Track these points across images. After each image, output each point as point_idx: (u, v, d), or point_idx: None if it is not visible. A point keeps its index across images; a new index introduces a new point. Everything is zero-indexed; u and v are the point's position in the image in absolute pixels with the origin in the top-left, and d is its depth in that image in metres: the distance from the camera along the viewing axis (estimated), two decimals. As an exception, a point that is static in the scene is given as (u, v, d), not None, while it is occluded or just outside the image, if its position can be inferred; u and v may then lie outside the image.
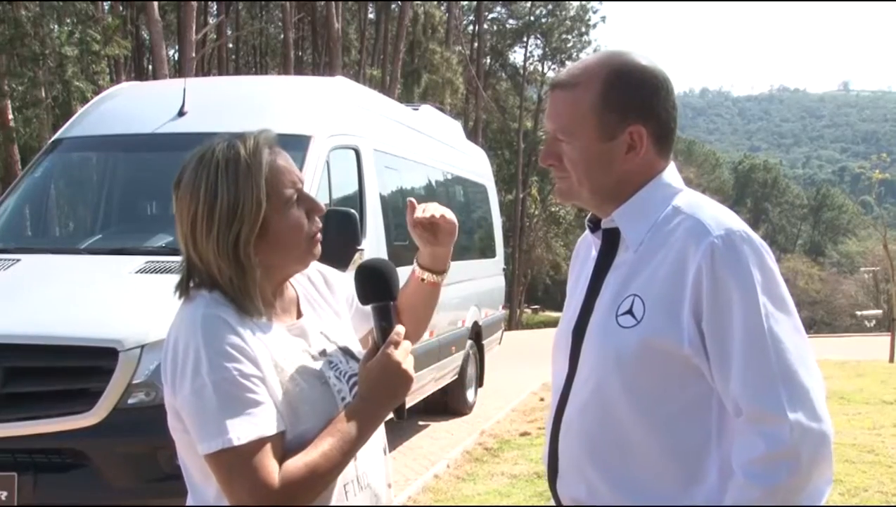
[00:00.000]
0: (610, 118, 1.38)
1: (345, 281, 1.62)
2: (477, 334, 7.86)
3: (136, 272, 4.13)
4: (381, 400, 1.35)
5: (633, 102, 1.38)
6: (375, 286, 1.46)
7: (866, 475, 4.92)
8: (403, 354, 1.37)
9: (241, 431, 1.24)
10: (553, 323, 23.61)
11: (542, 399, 8.32)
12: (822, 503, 1.27)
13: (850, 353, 12.37)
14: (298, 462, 1.27)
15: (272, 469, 1.25)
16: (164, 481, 3.54)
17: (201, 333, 1.28)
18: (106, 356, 3.58)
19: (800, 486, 1.24)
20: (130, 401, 3.57)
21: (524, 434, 6.56)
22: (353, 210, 4.55)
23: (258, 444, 1.24)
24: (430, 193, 7.32)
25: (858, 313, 33.29)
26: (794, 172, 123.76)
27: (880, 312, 30.45)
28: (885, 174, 16.78)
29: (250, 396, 1.26)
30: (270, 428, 1.26)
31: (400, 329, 1.39)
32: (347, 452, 1.31)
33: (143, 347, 3.59)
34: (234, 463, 1.24)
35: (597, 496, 1.37)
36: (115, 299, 3.95)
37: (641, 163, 1.40)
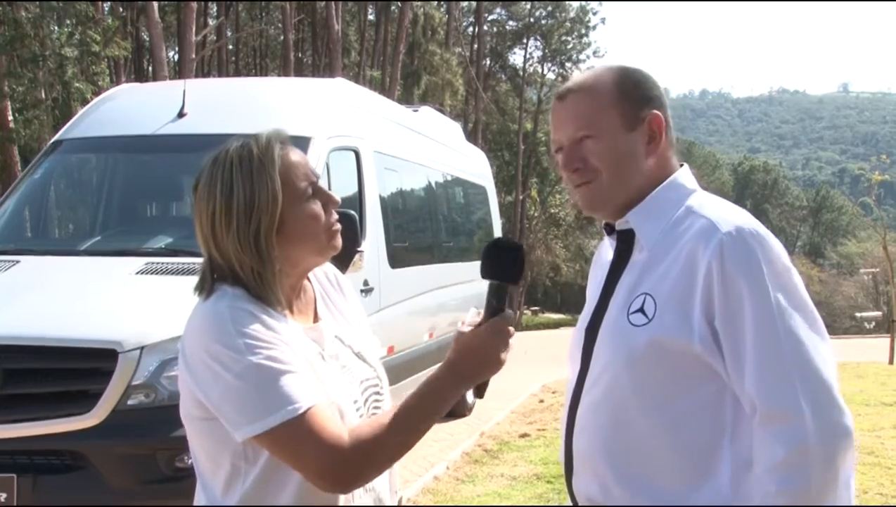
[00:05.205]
0: (629, 107, 1.41)
1: (351, 286, 1.62)
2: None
3: (136, 274, 4.12)
4: (467, 371, 1.36)
5: (646, 93, 1.44)
6: (504, 265, 1.40)
7: (866, 476, 4.91)
8: (502, 338, 1.36)
9: (297, 401, 1.26)
10: (553, 325, 23.62)
11: (541, 401, 8.32)
12: (853, 490, 1.26)
13: (850, 355, 12.35)
14: (374, 423, 1.31)
15: (339, 429, 1.27)
16: (164, 482, 3.54)
17: (231, 321, 1.29)
18: (105, 358, 3.57)
19: (828, 482, 1.24)
20: (130, 403, 3.56)
21: (523, 436, 6.56)
22: (352, 211, 4.55)
23: (316, 411, 1.27)
24: (430, 194, 7.32)
25: (858, 314, 33.30)
26: (794, 174, 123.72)
27: (880, 313, 30.47)
28: (884, 176, 16.75)
29: (295, 370, 1.29)
30: (322, 397, 1.29)
31: (509, 313, 1.39)
32: (426, 416, 1.33)
33: (142, 348, 3.59)
34: (298, 432, 1.25)
35: (609, 494, 1.37)
36: (114, 300, 3.95)
37: (659, 159, 1.43)
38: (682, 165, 1.47)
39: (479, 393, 1.41)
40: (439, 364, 1.37)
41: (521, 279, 1.42)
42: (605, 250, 1.56)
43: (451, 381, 1.35)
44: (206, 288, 1.38)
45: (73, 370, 3.68)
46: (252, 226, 1.34)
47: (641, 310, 1.35)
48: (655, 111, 1.42)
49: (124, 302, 3.92)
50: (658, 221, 1.40)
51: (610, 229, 1.51)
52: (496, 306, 1.38)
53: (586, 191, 1.43)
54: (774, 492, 1.24)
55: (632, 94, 1.42)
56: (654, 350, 1.32)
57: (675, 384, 1.32)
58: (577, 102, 1.42)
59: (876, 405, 7.29)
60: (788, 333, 1.27)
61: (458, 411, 7.72)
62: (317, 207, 1.40)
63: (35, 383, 3.67)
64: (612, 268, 1.47)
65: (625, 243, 1.45)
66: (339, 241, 1.44)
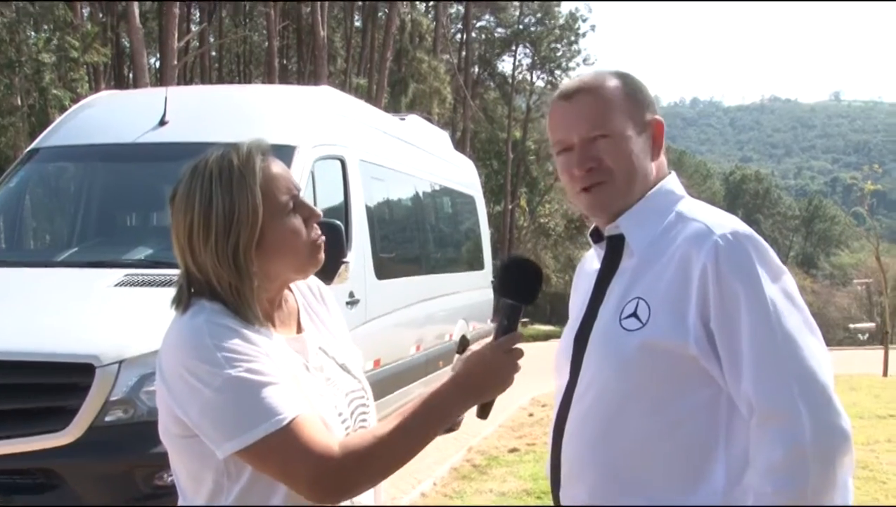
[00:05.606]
0: (636, 110, 1.44)
1: (333, 298, 1.62)
2: (465, 348, 7.82)
3: (115, 286, 4.09)
4: (474, 388, 1.36)
5: (645, 98, 1.47)
6: (521, 285, 1.41)
7: (860, 491, 4.94)
8: (511, 358, 1.37)
9: (281, 412, 1.25)
10: (542, 336, 23.58)
11: (530, 415, 8.31)
12: (851, 493, 1.27)
13: (843, 366, 12.44)
14: (366, 434, 1.31)
15: (327, 439, 1.27)
16: (142, 500, 3.51)
17: (208, 336, 1.29)
18: (82, 372, 3.54)
19: (826, 485, 1.24)
20: (107, 419, 3.52)
21: (513, 451, 6.54)
22: (338, 222, 4.54)
23: (302, 420, 1.26)
24: (417, 204, 7.33)
25: (851, 325, 33.52)
26: (786, 183, 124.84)
27: (873, 324, 30.70)
28: (876, 185, 16.94)
29: (277, 381, 1.28)
30: (307, 408, 1.29)
31: (518, 334, 1.39)
32: (424, 430, 1.32)
33: (121, 362, 3.55)
34: (284, 444, 1.25)
35: (599, 502, 1.38)
36: (92, 313, 3.91)
37: (658, 164, 1.47)
38: (669, 173, 1.50)
39: (484, 413, 1.41)
40: (447, 381, 1.36)
41: (535, 300, 1.43)
42: (590, 260, 1.57)
43: (456, 396, 1.35)
44: (183, 302, 1.37)
45: (48, 386, 3.64)
46: (231, 240, 1.33)
47: (635, 314, 1.36)
48: (657, 116, 1.46)
49: (102, 315, 3.88)
50: (649, 226, 1.41)
51: (597, 237, 1.52)
52: (508, 325, 1.38)
53: (597, 192, 1.44)
54: (771, 493, 1.24)
55: (636, 97, 1.45)
56: (649, 354, 1.33)
57: (670, 389, 1.33)
58: (589, 101, 1.43)
59: (870, 418, 7.32)
60: (785, 333, 1.28)
61: (446, 425, 7.69)
62: (298, 221, 1.40)
63: (8, 400, 3.62)
64: (600, 275, 1.47)
65: (614, 249, 1.46)
66: (320, 257, 1.43)
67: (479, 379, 1.35)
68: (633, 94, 1.45)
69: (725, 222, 1.36)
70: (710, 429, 1.33)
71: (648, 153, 1.45)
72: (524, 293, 1.40)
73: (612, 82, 1.45)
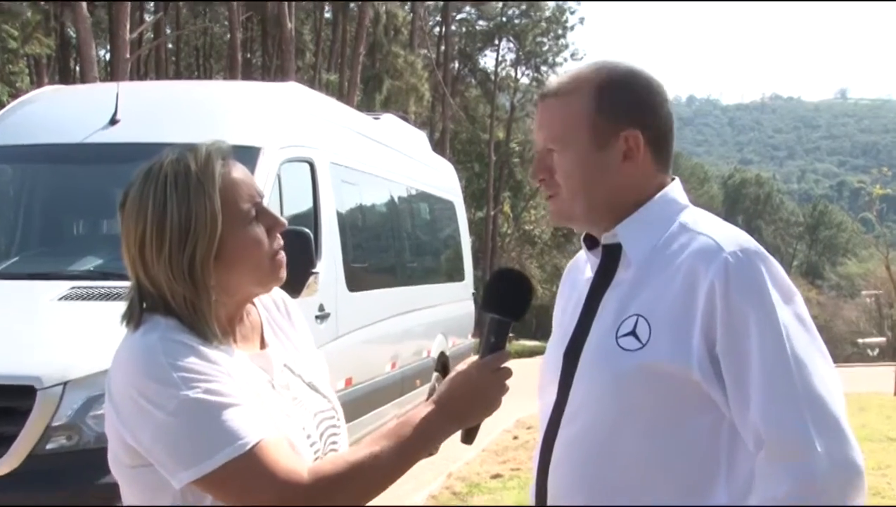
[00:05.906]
0: (604, 123, 1.42)
1: (299, 312, 1.62)
2: (444, 365, 7.85)
3: (60, 299, 4.06)
4: (456, 413, 1.36)
5: (628, 105, 1.44)
6: (509, 299, 1.41)
7: (871, 518, 4.98)
8: (499, 378, 1.38)
9: (244, 436, 1.25)
10: (527, 353, 23.59)
11: (515, 437, 8.31)
12: None
13: (852, 384, 12.50)
14: (338, 459, 1.31)
15: (294, 464, 1.27)
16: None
17: (163, 354, 1.28)
18: (21, 395, 3.49)
19: None
20: (49, 446, 3.48)
21: (496, 477, 6.54)
22: (306, 229, 4.53)
23: (266, 444, 1.26)
24: (393, 209, 7.33)
25: (860, 340, 33.88)
26: (789, 187, 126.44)
27: (884, 339, 31.09)
28: (886, 189, 17.14)
29: (239, 402, 1.27)
30: (272, 431, 1.28)
31: (506, 353, 1.40)
32: (403, 456, 1.32)
33: (65, 384, 3.52)
34: (247, 471, 1.24)
35: None
36: (33, 329, 3.88)
37: (640, 175, 1.44)
38: (672, 179, 1.50)
39: (469, 438, 1.41)
40: (428, 404, 1.36)
41: (524, 315, 1.43)
42: (580, 267, 1.57)
43: (440, 419, 1.35)
44: (134, 318, 1.36)
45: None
46: (187, 251, 1.33)
47: (633, 333, 1.35)
48: (633, 130, 1.42)
49: (45, 332, 3.85)
50: (649, 236, 1.42)
51: (590, 244, 1.52)
52: (494, 342, 1.39)
53: (552, 204, 1.49)
54: None
55: (610, 107, 1.42)
56: (648, 377, 1.33)
57: (668, 413, 1.34)
58: (553, 109, 1.45)
59: (881, 441, 7.39)
60: (797, 360, 1.29)
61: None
62: (260, 231, 1.39)
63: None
64: (593, 285, 1.47)
65: (609, 259, 1.46)
66: (283, 272, 1.43)
67: (465, 401, 1.36)
68: (608, 100, 1.42)
69: (734, 237, 1.36)
70: (710, 458, 1.33)
71: (615, 166, 1.42)
72: (513, 308, 1.41)
73: (589, 86, 1.43)
